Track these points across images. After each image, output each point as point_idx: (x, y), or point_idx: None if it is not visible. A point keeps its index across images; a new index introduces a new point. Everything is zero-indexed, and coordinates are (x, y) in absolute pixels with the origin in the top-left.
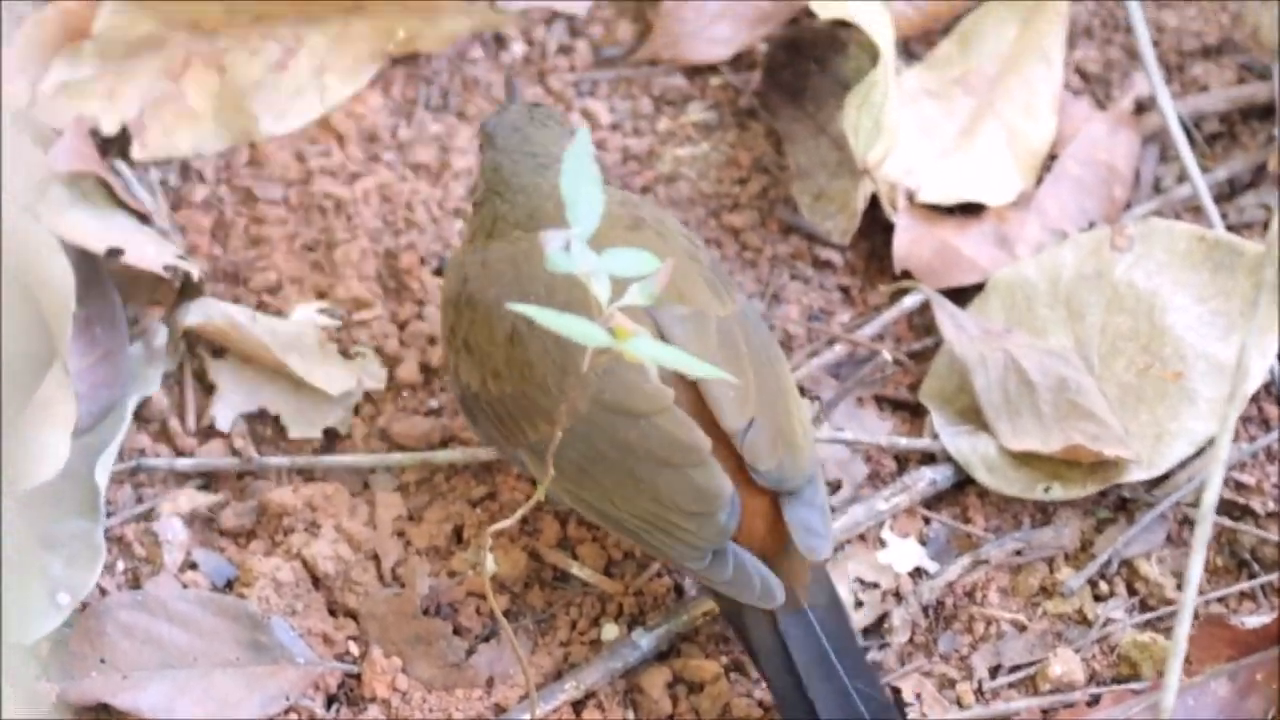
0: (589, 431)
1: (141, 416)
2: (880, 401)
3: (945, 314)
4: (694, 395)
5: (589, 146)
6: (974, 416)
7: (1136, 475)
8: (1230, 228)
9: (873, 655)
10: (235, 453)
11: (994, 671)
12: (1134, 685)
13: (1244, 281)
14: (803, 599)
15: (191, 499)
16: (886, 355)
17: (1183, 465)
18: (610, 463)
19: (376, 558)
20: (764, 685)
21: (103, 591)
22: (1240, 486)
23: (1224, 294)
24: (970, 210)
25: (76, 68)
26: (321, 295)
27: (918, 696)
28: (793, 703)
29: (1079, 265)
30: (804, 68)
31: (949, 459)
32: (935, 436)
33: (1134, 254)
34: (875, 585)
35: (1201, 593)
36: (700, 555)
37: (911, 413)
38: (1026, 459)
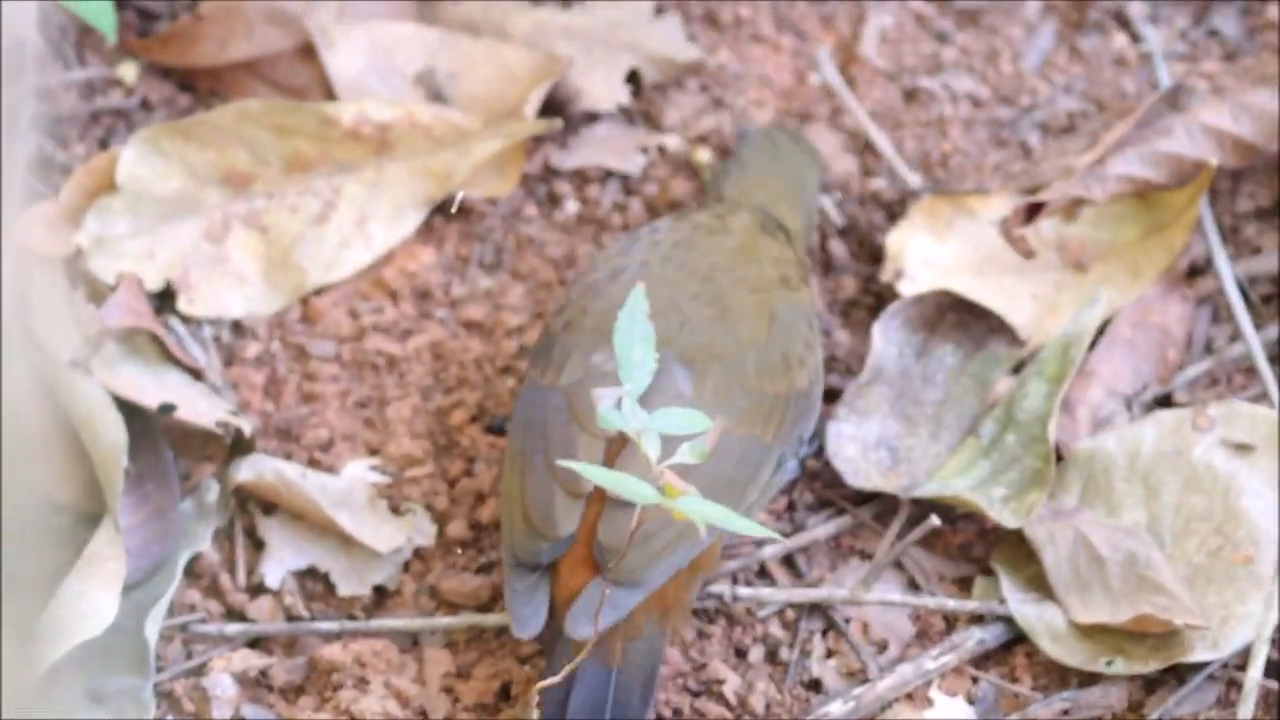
0: (546, 397)
1: (192, 572)
2: (928, 561)
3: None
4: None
5: (644, 304)
6: (1041, 584)
7: (1201, 654)
8: None
9: None
10: (285, 609)
11: None
12: None
13: None
14: (614, 660)
15: (243, 658)
16: (935, 520)
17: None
18: (530, 429)
19: (425, 714)
20: None
21: None
22: None
23: None
24: None
25: (109, 224)
26: (373, 452)
27: None
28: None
29: (1159, 442)
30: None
31: (998, 618)
32: (1002, 601)
33: (1215, 435)
34: None
35: None
36: (513, 559)
37: (960, 572)
38: (1092, 631)
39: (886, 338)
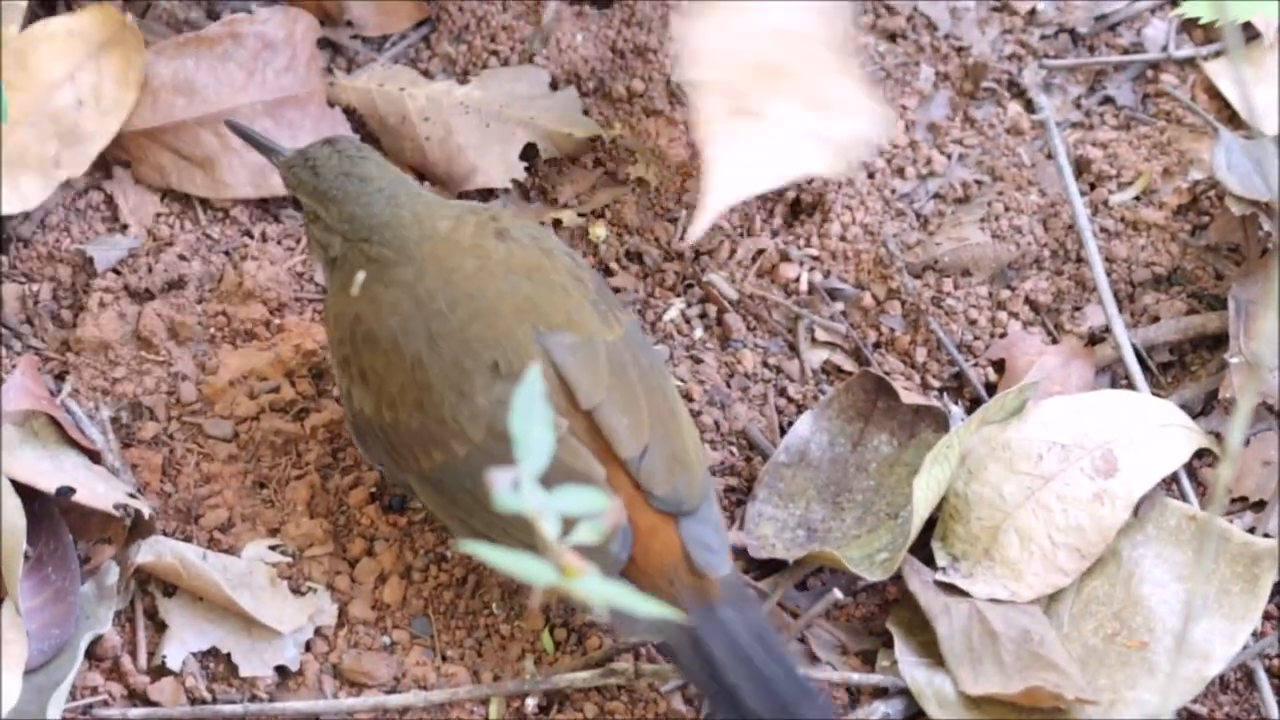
0: (483, 460)
1: (94, 655)
2: (831, 634)
3: (911, 569)
4: (589, 424)
5: (540, 385)
6: (934, 651)
7: None
8: None
9: None
10: (188, 691)
11: None
12: None
13: (1225, 569)
14: (714, 599)
15: None
16: (838, 593)
17: None
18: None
19: None
20: None
21: None
22: None
23: (1204, 576)
24: None
25: None
26: (273, 532)
27: None
28: (715, 694)
29: None
30: None
31: (901, 692)
32: (893, 662)
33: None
34: None
35: None
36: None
37: (863, 645)
38: (982, 702)
39: (818, 425)
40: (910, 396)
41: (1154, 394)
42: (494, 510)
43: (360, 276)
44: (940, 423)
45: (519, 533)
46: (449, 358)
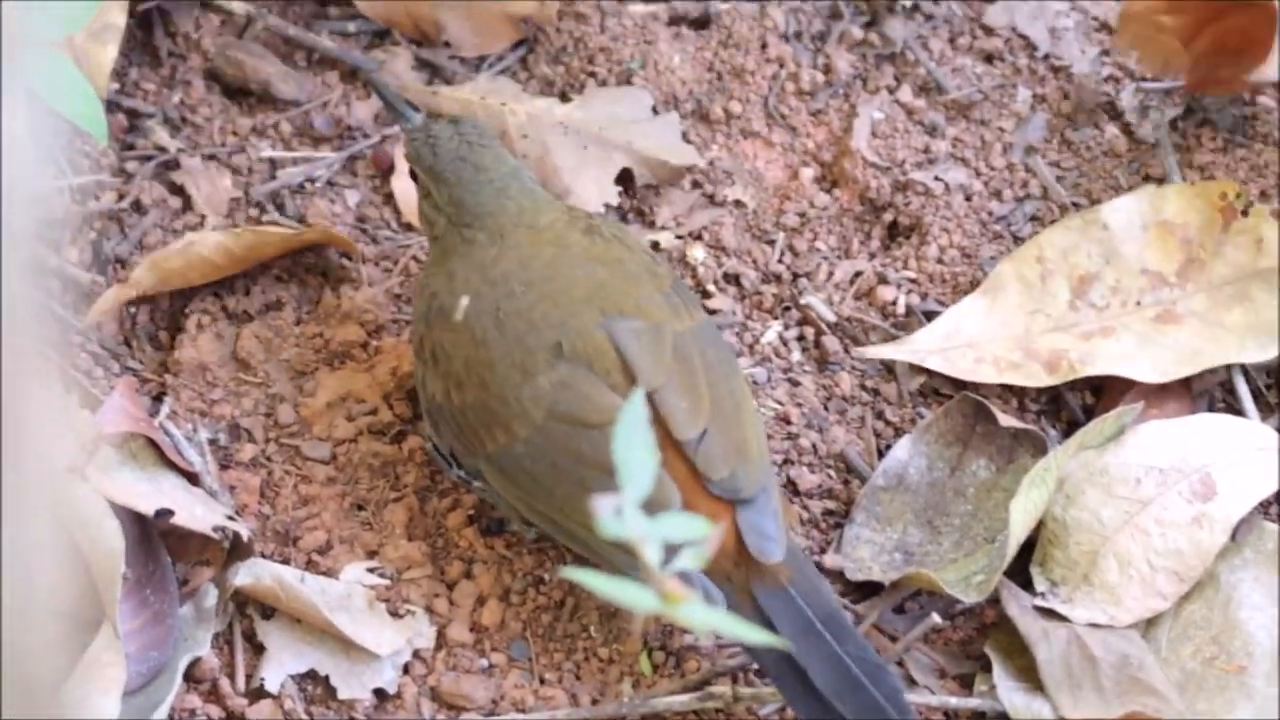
0: (543, 442)
1: (191, 677)
2: (929, 658)
3: (1009, 594)
4: (649, 408)
5: (643, 410)
6: (1032, 676)
7: None
8: None
9: None
10: (285, 713)
11: None
12: None
13: None
14: (783, 580)
15: None
16: (936, 617)
17: None
18: (562, 473)
19: None
20: None
21: None
22: None
23: None
24: None
25: None
26: (371, 554)
27: None
28: (784, 674)
29: None
30: None
31: (1000, 717)
32: (991, 687)
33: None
34: None
35: None
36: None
37: (961, 669)
38: None
39: (917, 449)
40: (1008, 420)
41: (1262, 418)
42: (555, 494)
43: (464, 302)
44: (1038, 447)
45: (578, 515)
46: (513, 336)
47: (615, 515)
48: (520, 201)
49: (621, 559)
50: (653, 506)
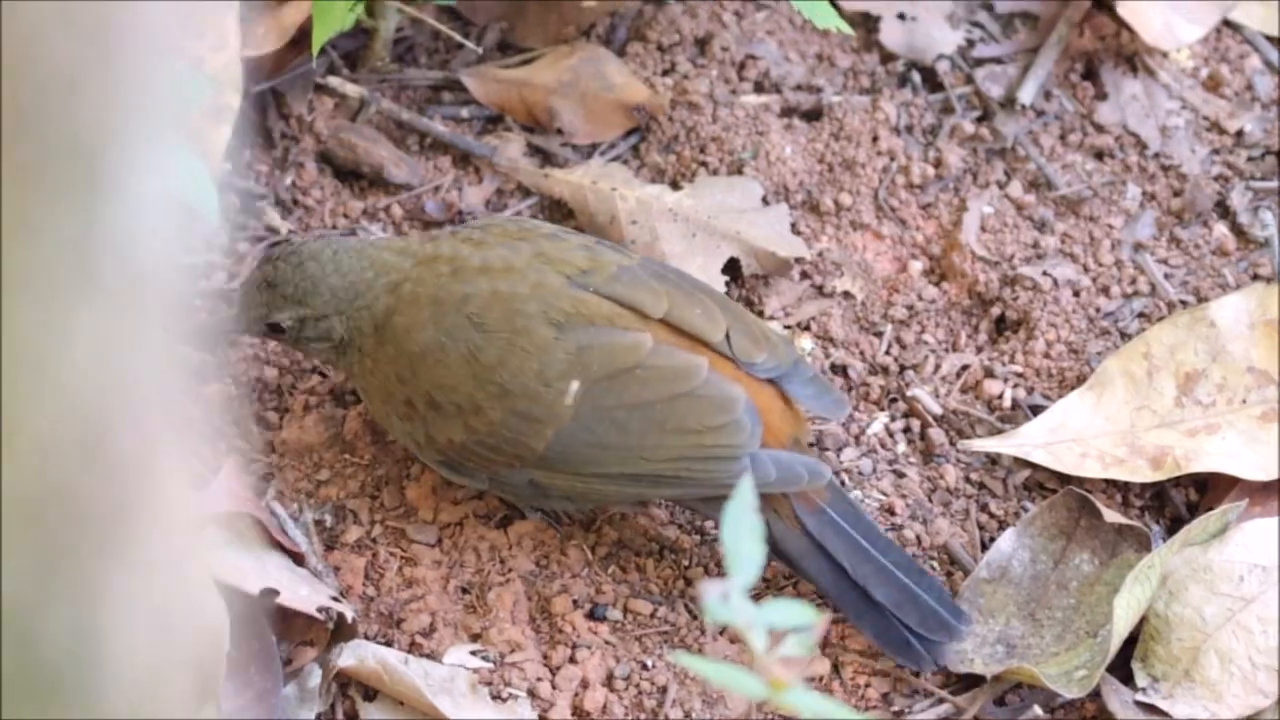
0: (592, 409)
1: None
2: None
3: (1110, 689)
4: (668, 330)
5: (754, 498)
6: None
7: None
8: None
9: None
10: None
11: None
12: None
13: None
14: (820, 501)
15: None
16: (1037, 710)
17: None
18: (623, 424)
19: None
20: None
21: None
22: None
23: None
24: None
25: None
26: (475, 637)
27: None
28: (845, 592)
29: None
30: None
31: None
32: None
33: None
34: None
35: None
36: (740, 463)
37: None
38: None
39: (1020, 542)
40: (1112, 515)
41: None
42: (629, 446)
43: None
44: (1142, 542)
45: (662, 452)
46: (503, 330)
47: (722, 600)
48: (367, 255)
49: (720, 468)
50: (724, 406)
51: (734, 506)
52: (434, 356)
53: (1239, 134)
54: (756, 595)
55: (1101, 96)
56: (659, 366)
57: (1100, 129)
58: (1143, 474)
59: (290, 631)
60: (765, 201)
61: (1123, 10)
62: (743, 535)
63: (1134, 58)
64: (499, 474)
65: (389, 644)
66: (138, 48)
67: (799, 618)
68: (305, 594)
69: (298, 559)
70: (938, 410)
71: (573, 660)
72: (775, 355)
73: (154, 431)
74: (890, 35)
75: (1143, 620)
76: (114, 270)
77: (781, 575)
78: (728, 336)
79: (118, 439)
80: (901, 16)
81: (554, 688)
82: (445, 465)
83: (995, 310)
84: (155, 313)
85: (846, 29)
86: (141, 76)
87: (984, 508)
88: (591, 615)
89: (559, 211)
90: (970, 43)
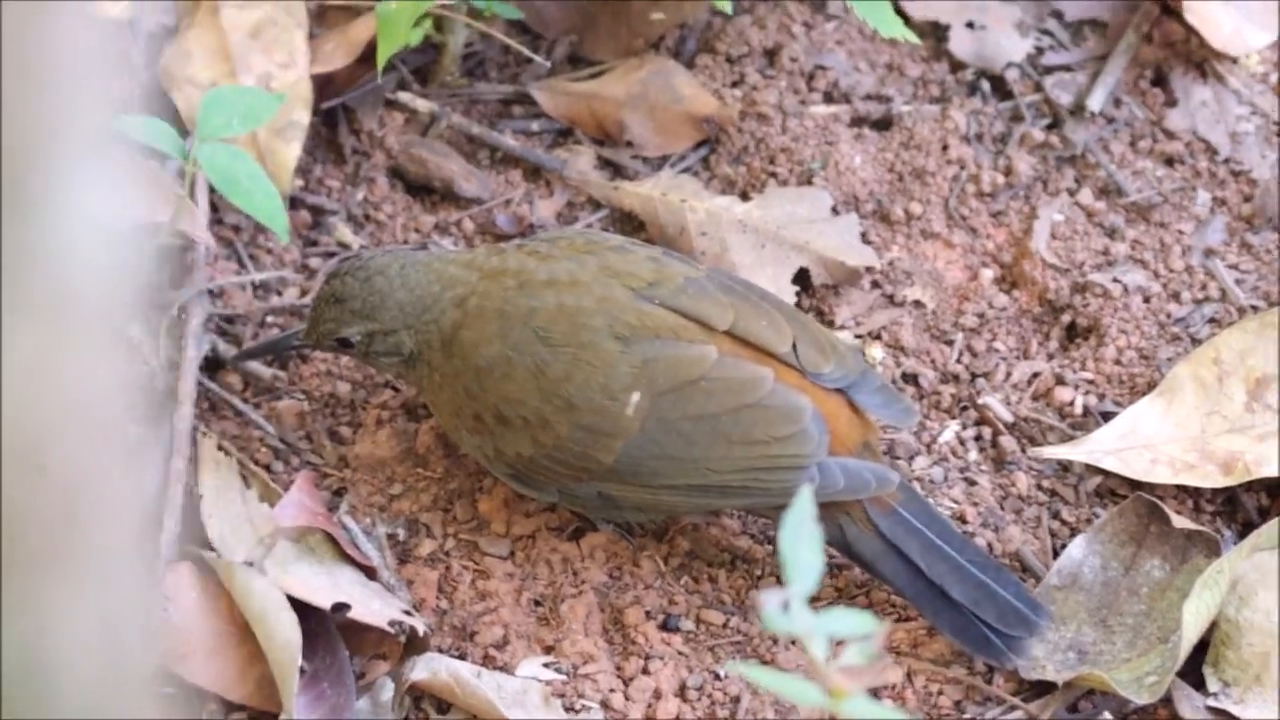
0: (658, 422)
1: None
2: None
3: (1181, 694)
4: (734, 341)
5: (812, 507)
6: None
7: None
8: None
9: None
10: None
11: None
12: None
13: None
14: (892, 503)
15: None
16: (1108, 716)
17: None
18: (689, 436)
19: None
20: None
21: None
22: None
23: None
24: None
25: None
26: (548, 650)
27: None
28: (921, 592)
29: None
30: None
31: None
32: None
33: None
34: None
35: None
36: (808, 472)
37: None
38: None
39: (1091, 549)
40: (1182, 521)
41: None
42: (695, 458)
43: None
44: (1212, 548)
45: (728, 464)
46: (569, 345)
47: (782, 610)
48: (432, 268)
49: (787, 477)
50: (790, 416)
51: (792, 515)
52: (500, 370)
53: None
54: (827, 603)
55: (1171, 103)
56: (724, 378)
57: (1170, 135)
58: (1213, 479)
59: (363, 645)
60: (835, 211)
61: (1190, 16)
62: (801, 544)
63: (1203, 63)
64: (568, 487)
65: (462, 657)
66: (64, 74)
67: (859, 627)
68: (377, 608)
69: (370, 573)
70: (1009, 418)
71: (645, 671)
72: (843, 365)
73: (93, 447)
74: (959, 44)
75: (1213, 625)
76: (45, 289)
77: (854, 584)
78: (794, 347)
79: (56, 454)
80: (971, 25)
81: (627, 699)
82: (515, 478)
83: (1066, 317)
84: (89, 331)
85: (913, 38)
86: (68, 101)
87: (1056, 515)
88: (664, 626)
89: (629, 224)
90: (1039, 50)
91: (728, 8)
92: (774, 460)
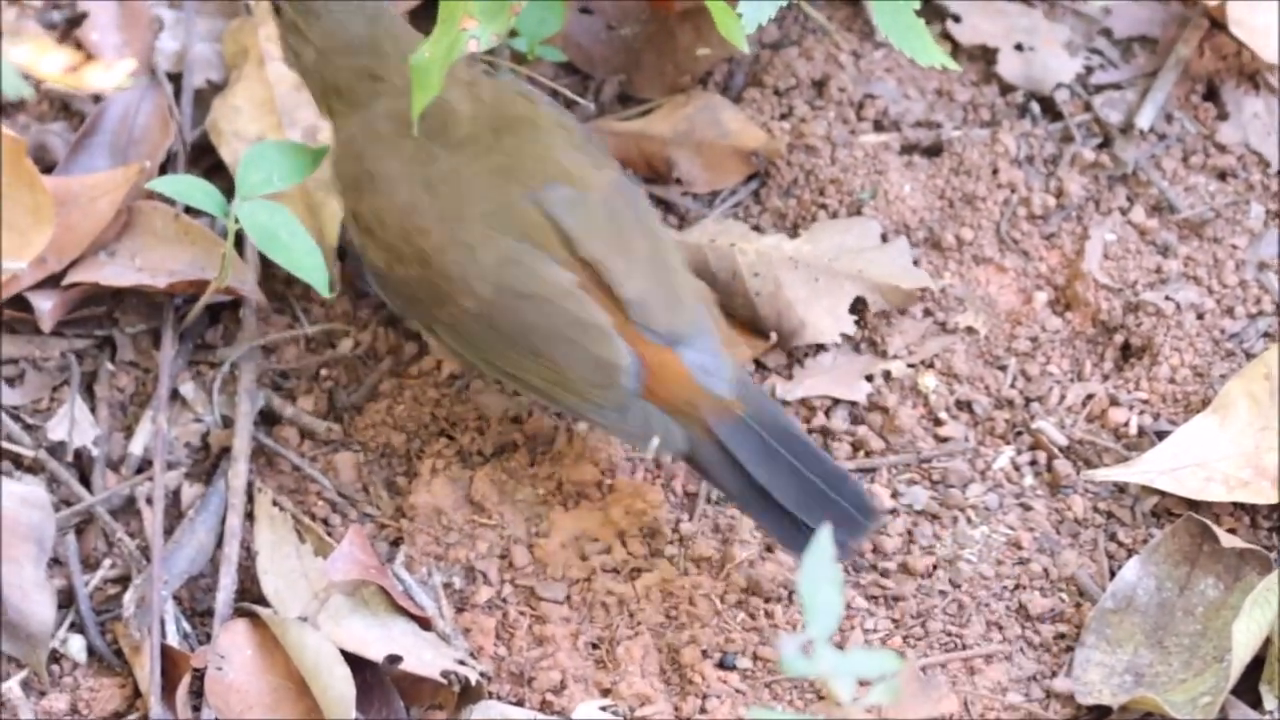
0: (492, 313)
1: None
2: None
3: (1238, 713)
4: (591, 273)
5: (831, 550)
6: None
7: None
8: None
9: None
10: None
11: None
12: None
13: None
14: (738, 412)
15: None
16: None
17: None
18: (513, 338)
19: None
20: None
21: None
22: None
23: None
24: None
25: None
26: (605, 692)
27: None
28: (748, 498)
29: None
30: None
31: None
32: None
33: None
34: None
35: None
36: (605, 414)
37: None
38: None
39: (1145, 570)
40: (1231, 540)
41: None
42: (509, 356)
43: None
44: (1265, 565)
45: (532, 373)
46: (445, 203)
47: (802, 652)
48: (391, 30)
49: (585, 407)
50: (605, 366)
51: (812, 558)
52: (386, 187)
53: None
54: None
55: (1223, 116)
56: (568, 310)
57: (1222, 149)
58: (1267, 495)
59: (419, 695)
60: (884, 238)
61: (1236, 29)
62: (821, 585)
63: (1255, 75)
64: (409, 311)
65: (520, 703)
66: None
67: (881, 666)
68: (430, 658)
69: (424, 623)
70: (1063, 441)
71: (703, 710)
72: (678, 324)
73: None
74: (1008, 67)
75: (1268, 642)
76: None
77: (910, 616)
78: (641, 293)
79: None
80: (1019, 47)
81: None
82: (375, 279)
83: (1119, 338)
84: None
85: (951, 64)
86: None
87: (1112, 537)
88: (721, 664)
89: None
90: (1089, 69)
91: (744, 45)
92: (580, 394)
